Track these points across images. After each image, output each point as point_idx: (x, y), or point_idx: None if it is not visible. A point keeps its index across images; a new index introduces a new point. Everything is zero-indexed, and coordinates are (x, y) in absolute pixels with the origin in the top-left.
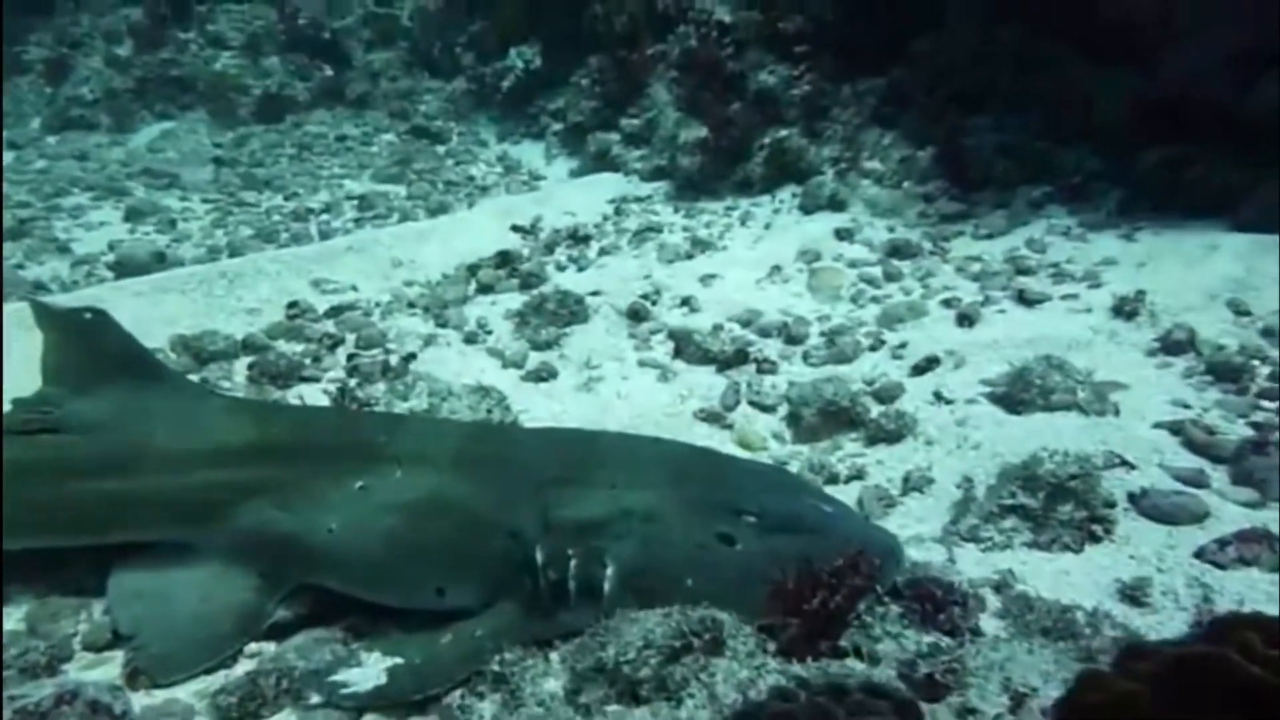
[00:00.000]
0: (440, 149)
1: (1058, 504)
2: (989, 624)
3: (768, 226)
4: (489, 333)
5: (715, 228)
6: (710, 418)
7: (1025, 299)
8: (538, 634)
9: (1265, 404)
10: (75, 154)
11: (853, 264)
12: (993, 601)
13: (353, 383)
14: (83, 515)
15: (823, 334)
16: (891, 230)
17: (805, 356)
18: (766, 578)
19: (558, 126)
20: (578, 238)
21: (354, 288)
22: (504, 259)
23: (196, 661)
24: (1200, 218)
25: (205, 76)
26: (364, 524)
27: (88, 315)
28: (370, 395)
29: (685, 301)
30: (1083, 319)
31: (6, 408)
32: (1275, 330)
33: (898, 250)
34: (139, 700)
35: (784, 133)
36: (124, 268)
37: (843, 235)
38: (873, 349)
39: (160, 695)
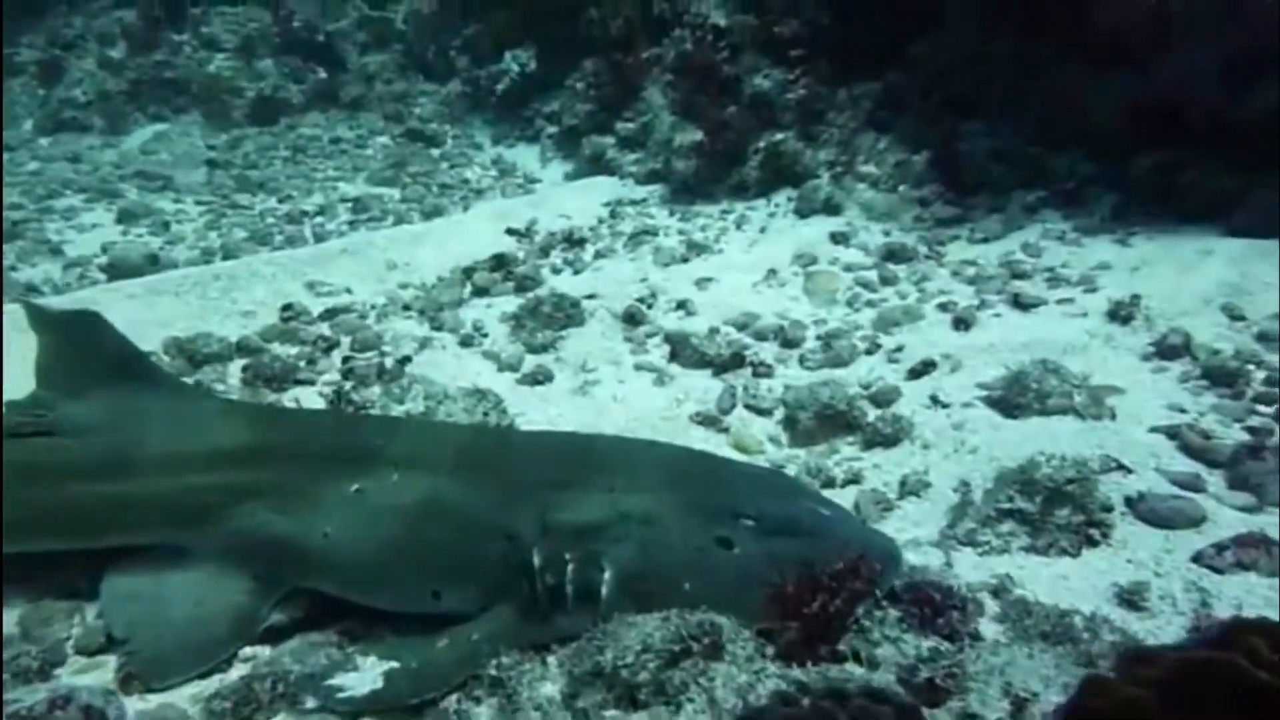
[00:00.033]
0: (435, 152)
1: (1055, 508)
2: (987, 628)
3: (763, 230)
4: (484, 336)
5: (711, 231)
6: (706, 421)
7: (1021, 303)
8: (535, 638)
9: (1261, 408)
10: (68, 156)
11: (848, 268)
12: (991, 606)
13: (348, 385)
14: (77, 518)
15: (819, 338)
16: (887, 234)
17: (801, 360)
18: (764, 581)
19: (552, 130)
20: (573, 241)
21: (349, 290)
22: (499, 262)
23: (190, 666)
24: (1194, 222)
25: (199, 78)
26: (360, 527)
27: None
28: (366, 398)
29: (681, 305)
30: (1078, 323)
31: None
32: (1270, 335)
33: (893, 254)
34: (132, 705)
35: (779, 136)
36: (117, 270)
37: (838, 239)
38: (869, 353)
39: (154, 700)
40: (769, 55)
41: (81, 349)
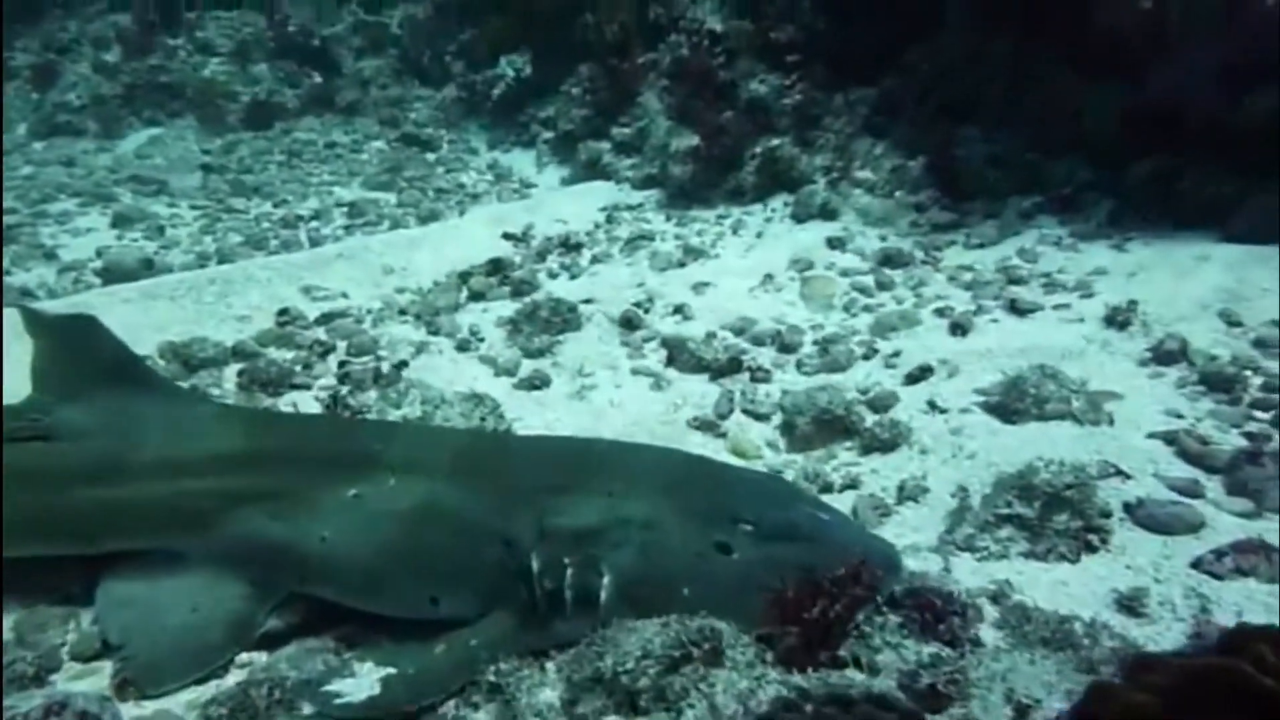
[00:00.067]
0: (430, 156)
1: (1054, 514)
2: (987, 634)
3: (760, 235)
4: (481, 340)
5: (707, 236)
6: (704, 426)
7: (1017, 308)
8: (533, 644)
9: (1258, 414)
10: (62, 160)
11: (845, 273)
12: (990, 612)
13: (344, 390)
14: (72, 523)
15: (816, 342)
16: (883, 239)
17: (799, 365)
18: (764, 587)
19: (548, 135)
20: (569, 245)
21: (345, 295)
22: (496, 266)
23: (187, 672)
24: (1191, 229)
25: (194, 83)
26: (357, 532)
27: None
28: (362, 403)
29: (678, 309)
30: (1075, 329)
31: None
32: (1267, 341)
33: (890, 259)
34: (128, 711)
35: (776, 142)
36: (112, 274)
37: (835, 244)
38: (866, 358)
39: (150, 706)
40: (765, 60)
41: (77, 353)
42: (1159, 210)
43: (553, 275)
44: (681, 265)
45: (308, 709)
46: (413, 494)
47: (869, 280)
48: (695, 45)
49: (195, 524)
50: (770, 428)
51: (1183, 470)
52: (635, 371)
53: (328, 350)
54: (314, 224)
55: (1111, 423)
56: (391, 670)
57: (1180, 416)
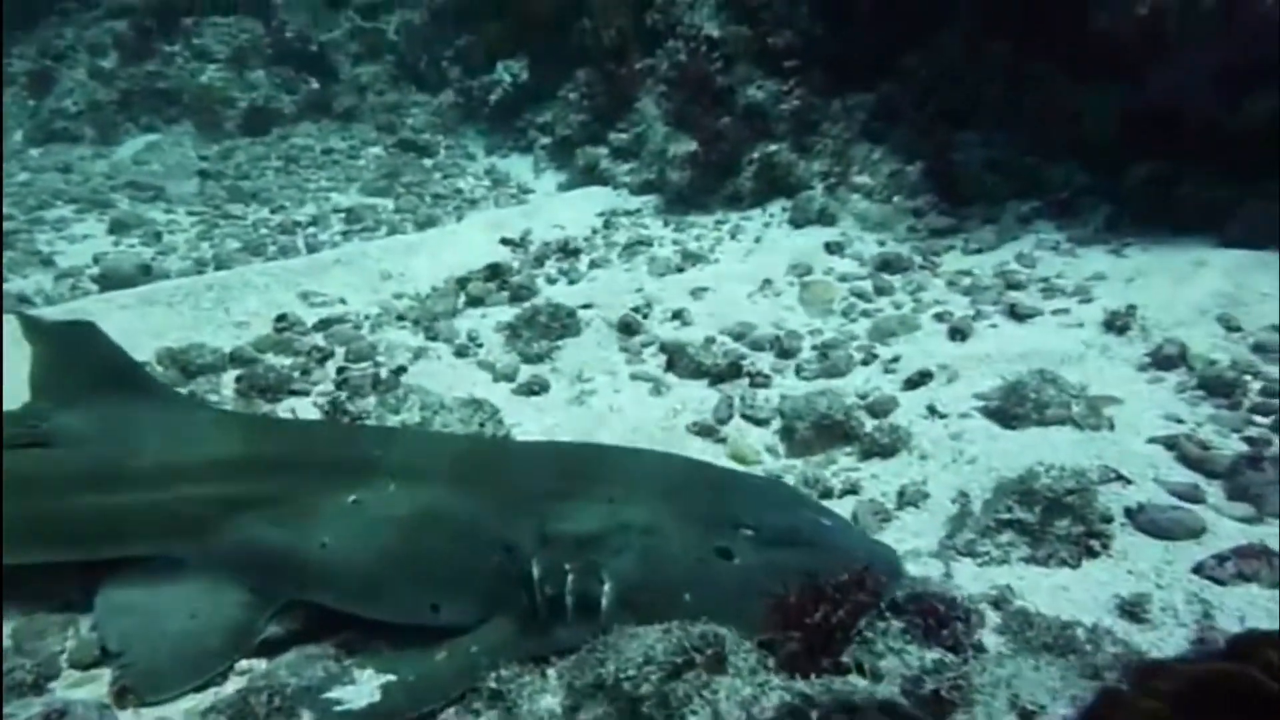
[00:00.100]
0: (428, 162)
1: (1054, 519)
2: (989, 640)
3: (758, 240)
4: (479, 346)
5: (705, 241)
6: (703, 431)
7: (1016, 313)
8: (534, 650)
9: (1258, 419)
10: (59, 166)
11: (843, 278)
12: (992, 617)
13: (343, 396)
14: (71, 530)
15: (815, 348)
16: (881, 244)
17: (798, 370)
18: (765, 592)
19: (546, 140)
20: (568, 251)
21: (343, 300)
22: (494, 272)
23: (186, 679)
24: (1188, 233)
25: (191, 89)
26: (357, 539)
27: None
28: (361, 408)
29: (677, 315)
30: (1074, 333)
31: None
32: (1266, 346)
33: (888, 264)
34: (128, 719)
35: (773, 147)
36: (109, 280)
37: (833, 249)
38: (865, 363)
39: (149, 714)
40: (763, 66)
41: (76, 359)
42: (1157, 215)
43: (551, 280)
44: (680, 270)
45: (308, 716)
46: (413, 500)
47: (867, 285)
48: (693, 51)
49: (194, 530)
50: (770, 433)
51: (1183, 475)
52: (634, 376)
53: (326, 356)
54: (311, 230)
55: (1111, 428)
56: (392, 677)
57: (1180, 421)
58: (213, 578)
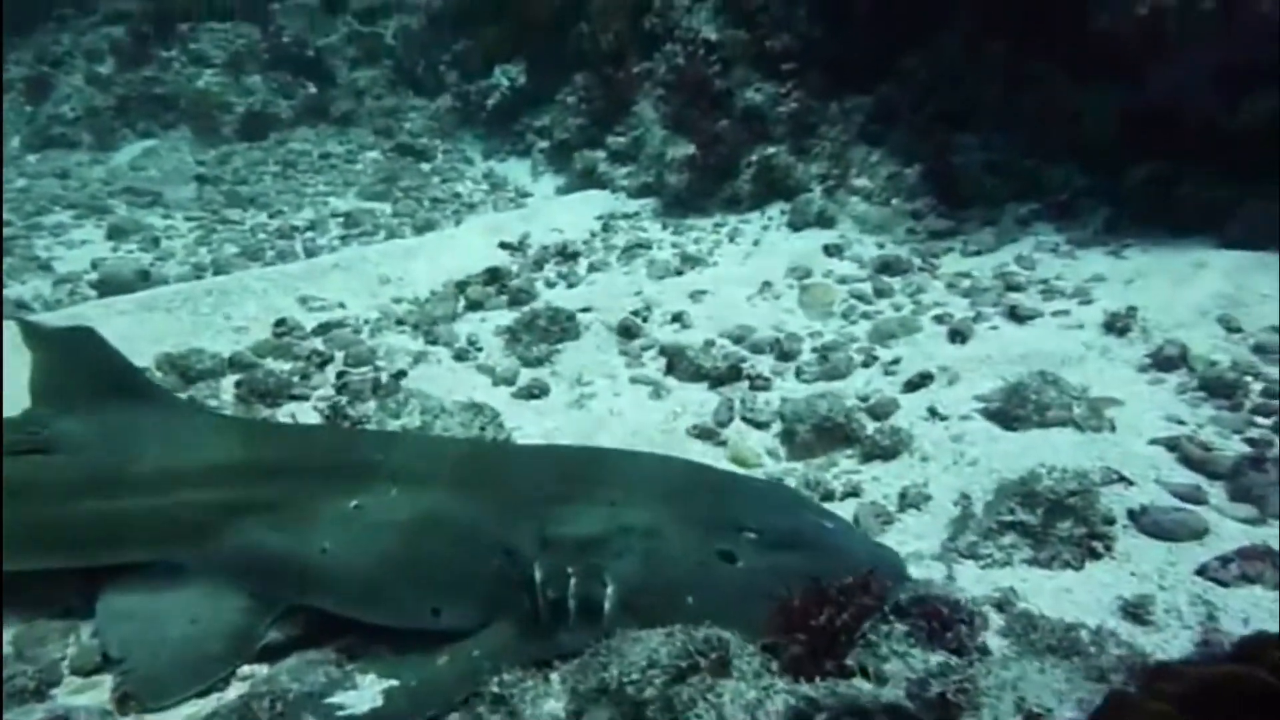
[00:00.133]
0: (426, 166)
1: (1057, 521)
2: (992, 642)
3: (757, 243)
4: (479, 350)
5: (704, 244)
6: (704, 434)
7: (1016, 315)
8: (536, 654)
9: (1260, 420)
10: (56, 172)
11: (843, 280)
12: (995, 619)
13: (343, 400)
14: (71, 536)
15: (815, 350)
16: (880, 247)
17: (798, 373)
18: (768, 595)
19: (544, 144)
20: (566, 254)
21: (342, 305)
22: (493, 276)
23: (187, 685)
24: (1188, 234)
25: (188, 94)
26: (358, 543)
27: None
28: (361, 413)
29: (676, 318)
30: (1074, 335)
31: None
32: (1266, 347)
33: (887, 266)
34: None
35: (772, 150)
36: (107, 286)
37: (832, 252)
38: (865, 365)
39: None
40: (761, 69)
41: (76, 365)
42: (1157, 216)
43: (550, 284)
44: (679, 273)
45: None
46: (414, 504)
47: (867, 288)
48: (691, 54)
49: (195, 536)
50: (770, 435)
51: (1185, 476)
52: (634, 380)
53: (325, 361)
54: (310, 234)
55: (1113, 429)
56: (394, 682)
57: (1181, 423)
58: (213, 583)
